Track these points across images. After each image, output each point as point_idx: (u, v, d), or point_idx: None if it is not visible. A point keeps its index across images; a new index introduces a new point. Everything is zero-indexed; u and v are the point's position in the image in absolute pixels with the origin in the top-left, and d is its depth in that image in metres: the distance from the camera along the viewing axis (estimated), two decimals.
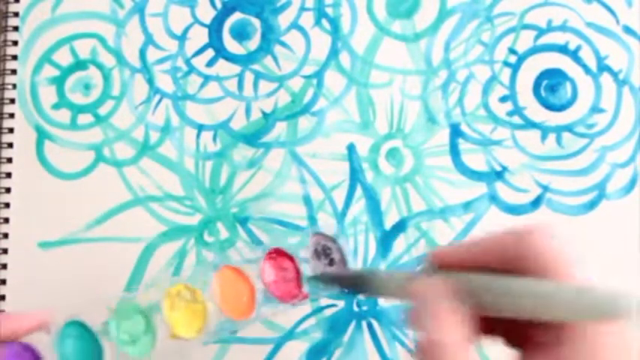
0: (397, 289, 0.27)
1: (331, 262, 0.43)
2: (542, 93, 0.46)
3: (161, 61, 0.47)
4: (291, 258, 0.43)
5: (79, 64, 0.47)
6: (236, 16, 0.47)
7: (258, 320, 0.44)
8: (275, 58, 0.47)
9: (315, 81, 0.47)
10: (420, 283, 0.25)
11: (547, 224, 0.25)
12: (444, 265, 0.26)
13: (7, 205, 0.46)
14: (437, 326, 0.24)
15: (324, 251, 0.43)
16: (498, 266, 0.25)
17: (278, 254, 0.43)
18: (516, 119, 0.46)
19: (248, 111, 0.46)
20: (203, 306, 0.42)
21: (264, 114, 0.46)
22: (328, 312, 0.45)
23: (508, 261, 0.25)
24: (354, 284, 0.30)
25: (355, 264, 0.44)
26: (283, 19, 0.47)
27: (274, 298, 0.43)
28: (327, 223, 0.45)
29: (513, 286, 0.24)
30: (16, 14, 0.47)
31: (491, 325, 0.26)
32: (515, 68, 0.46)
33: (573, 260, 0.24)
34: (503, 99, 0.46)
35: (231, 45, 0.47)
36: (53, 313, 0.35)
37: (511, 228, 0.25)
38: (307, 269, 0.42)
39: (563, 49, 0.46)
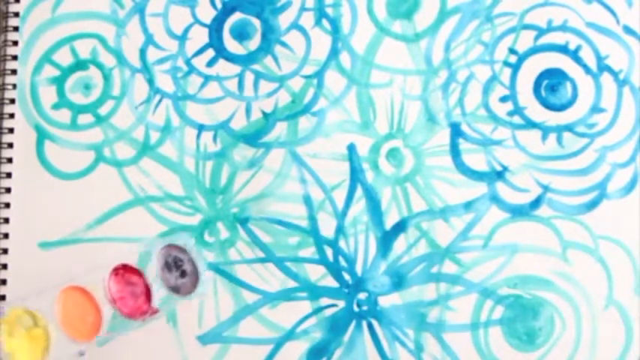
0: None
1: (183, 274, 0.42)
2: (543, 93, 0.46)
3: (161, 61, 0.47)
4: (138, 273, 0.42)
5: (79, 64, 0.47)
6: (236, 16, 0.47)
7: (107, 340, 0.43)
8: (275, 58, 0.47)
9: (315, 81, 0.47)
10: None
11: None
12: None
13: (7, 205, 0.46)
14: None
15: (175, 263, 0.42)
16: None
17: (125, 269, 0.42)
18: (517, 119, 0.46)
19: (248, 111, 0.47)
20: (45, 330, 0.41)
21: (265, 114, 0.46)
22: (328, 312, 0.45)
23: None
24: None
25: (204, 273, 0.43)
26: (283, 19, 0.47)
27: (122, 315, 0.42)
28: (178, 236, 0.44)
29: None
30: (17, 14, 0.47)
31: None
32: (515, 68, 0.46)
33: None
34: (503, 99, 0.46)
35: (231, 45, 0.47)
36: None
37: None
38: (159, 282, 0.41)
39: (563, 49, 0.46)
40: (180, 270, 0.42)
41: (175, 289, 0.42)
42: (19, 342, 0.41)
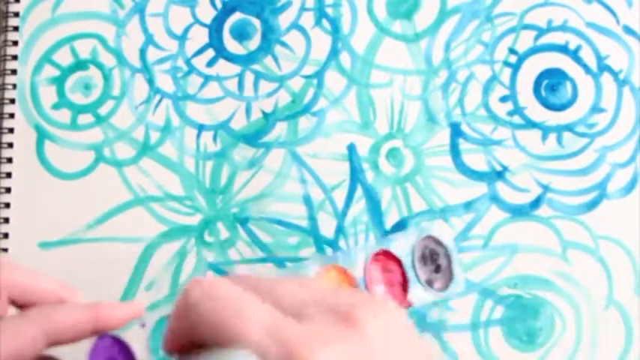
0: None
1: (437, 269, 0.39)
2: (543, 93, 0.46)
3: (161, 61, 0.47)
4: (397, 260, 0.39)
5: (79, 64, 0.47)
6: (236, 16, 0.47)
7: None
8: (275, 58, 0.47)
9: (315, 81, 0.47)
10: None
11: (190, 295, 0.23)
12: (176, 349, 0.25)
13: (7, 205, 0.46)
14: None
15: (432, 256, 0.39)
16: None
17: (385, 256, 0.40)
18: (517, 119, 0.46)
19: (248, 111, 0.46)
20: None
21: (265, 114, 0.46)
22: None
23: (199, 335, 0.23)
24: None
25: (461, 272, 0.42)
26: (283, 19, 0.47)
27: None
28: (437, 225, 0.43)
29: None
30: (17, 14, 0.47)
31: None
32: (515, 68, 0.46)
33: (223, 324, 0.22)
34: (503, 99, 0.46)
35: (231, 45, 0.47)
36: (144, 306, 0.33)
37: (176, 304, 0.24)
38: (413, 274, 0.38)
39: (563, 49, 0.46)
40: (435, 264, 0.40)
41: (429, 283, 0.40)
42: None
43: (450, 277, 0.39)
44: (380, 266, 0.39)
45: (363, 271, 0.38)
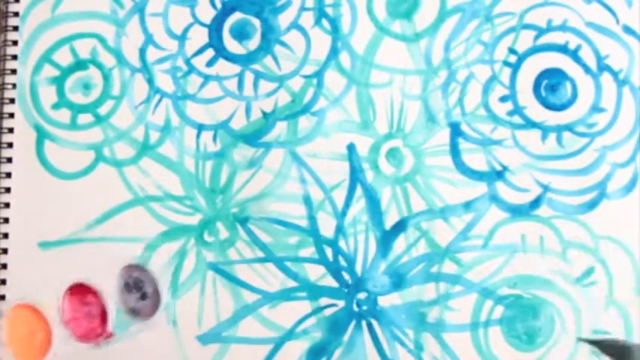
0: None
1: (144, 296, 0.40)
2: (543, 92, 0.46)
3: (161, 60, 0.47)
4: (94, 292, 0.40)
5: (79, 64, 0.47)
6: (236, 16, 0.47)
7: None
8: (275, 58, 0.47)
9: (315, 81, 0.47)
10: None
11: None
12: None
13: (7, 205, 0.46)
14: None
15: (136, 284, 0.41)
16: None
17: (80, 288, 0.40)
18: (516, 119, 0.46)
19: (248, 111, 0.47)
20: None
21: (264, 114, 0.46)
22: (328, 312, 0.45)
23: None
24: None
25: (167, 296, 0.43)
26: (283, 19, 0.47)
27: (74, 337, 0.40)
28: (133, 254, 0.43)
29: None
30: (16, 14, 0.47)
31: None
32: (515, 68, 0.46)
33: None
34: (503, 99, 0.46)
35: (231, 45, 0.47)
36: None
37: None
38: (116, 303, 0.39)
39: (563, 49, 0.46)
40: (141, 292, 0.41)
41: (135, 312, 0.41)
42: None
43: (157, 302, 0.40)
44: (74, 300, 0.38)
45: (58, 308, 0.38)
